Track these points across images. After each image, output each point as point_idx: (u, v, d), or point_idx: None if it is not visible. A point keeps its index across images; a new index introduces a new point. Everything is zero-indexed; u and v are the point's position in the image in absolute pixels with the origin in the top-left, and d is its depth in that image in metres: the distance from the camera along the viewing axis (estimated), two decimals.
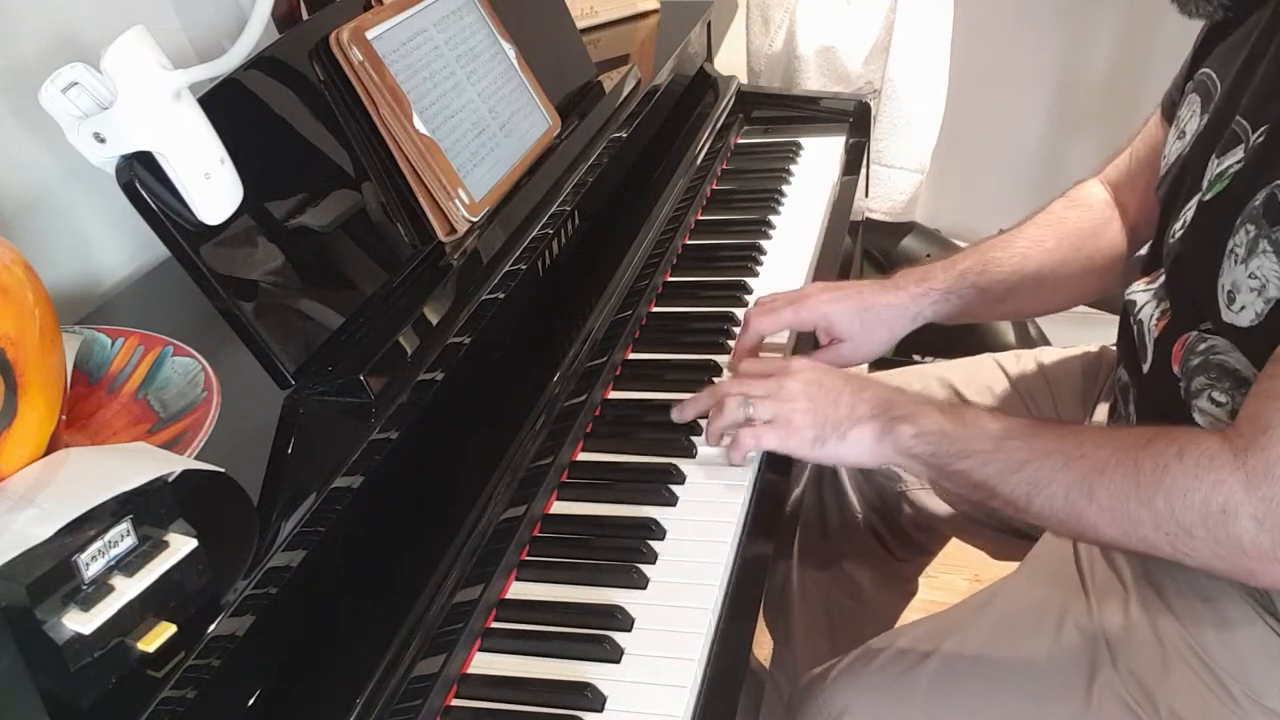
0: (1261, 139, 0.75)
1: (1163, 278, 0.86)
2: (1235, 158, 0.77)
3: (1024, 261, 1.02)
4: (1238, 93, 0.81)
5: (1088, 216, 1.04)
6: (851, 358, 1.02)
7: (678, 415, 0.91)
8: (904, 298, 1.02)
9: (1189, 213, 0.82)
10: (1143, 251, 0.99)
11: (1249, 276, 0.72)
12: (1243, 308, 0.73)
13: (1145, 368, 0.85)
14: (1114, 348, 1.09)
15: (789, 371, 0.87)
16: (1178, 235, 0.83)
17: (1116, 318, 0.96)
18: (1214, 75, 0.87)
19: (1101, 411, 1.04)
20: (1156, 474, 0.70)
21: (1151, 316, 0.85)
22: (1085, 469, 0.73)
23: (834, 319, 1.00)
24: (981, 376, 1.14)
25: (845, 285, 1.04)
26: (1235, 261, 0.74)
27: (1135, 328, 0.87)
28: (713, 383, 0.96)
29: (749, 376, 0.88)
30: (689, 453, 0.91)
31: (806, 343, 1.03)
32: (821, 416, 0.83)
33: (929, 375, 1.17)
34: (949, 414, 0.81)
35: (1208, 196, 0.79)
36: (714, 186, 1.35)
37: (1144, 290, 0.88)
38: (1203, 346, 0.77)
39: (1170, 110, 0.96)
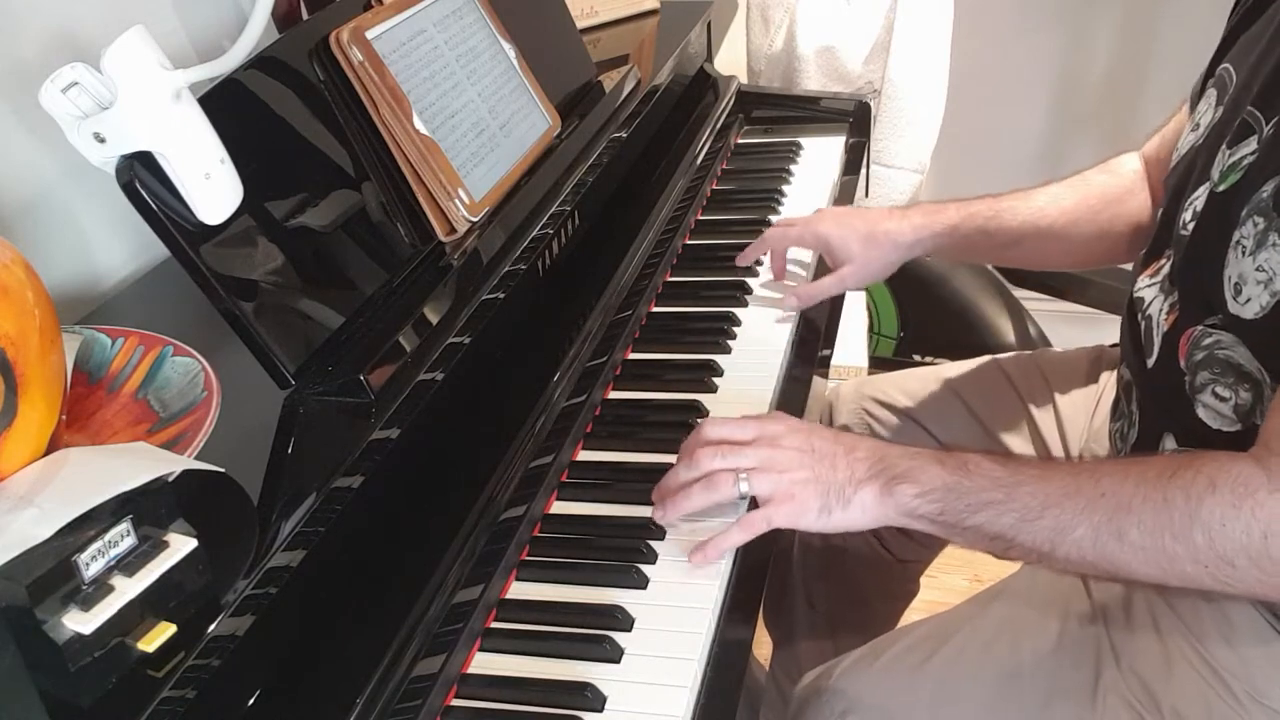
0: (1273, 130, 0.74)
1: (1166, 269, 0.85)
2: (1249, 149, 0.76)
3: (1039, 215, 1.04)
4: (1252, 83, 0.80)
5: (1114, 182, 1.05)
6: (852, 281, 1.08)
7: (659, 496, 0.83)
8: (906, 226, 1.06)
9: (1198, 202, 0.81)
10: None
11: (1256, 269, 0.71)
12: (1248, 300, 0.72)
13: (1150, 362, 0.84)
14: (1113, 349, 1.09)
15: (775, 437, 0.81)
16: (1189, 226, 0.82)
17: (1116, 318, 0.96)
18: (1231, 69, 0.86)
19: (1101, 414, 1.04)
20: (1190, 507, 0.68)
21: (1161, 311, 0.84)
22: (1110, 508, 0.70)
23: (835, 243, 1.07)
24: (981, 378, 1.14)
25: (852, 212, 1.11)
26: (1242, 253, 0.73)
27: (1144, 323, 0.87)
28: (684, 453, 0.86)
29: (729, 443, 0.81)
30: None
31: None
32: (824, 485, 0.78)
33: (929, 376, 1.17)
34: (949, 465, 0.77)
35: (1221, 188, 0.78)
36: (714, 186, 1.35)
37: (1150, 284, 0.87)
38: (1208, 341, 0.77)
39: (1195, 103, 0.95)
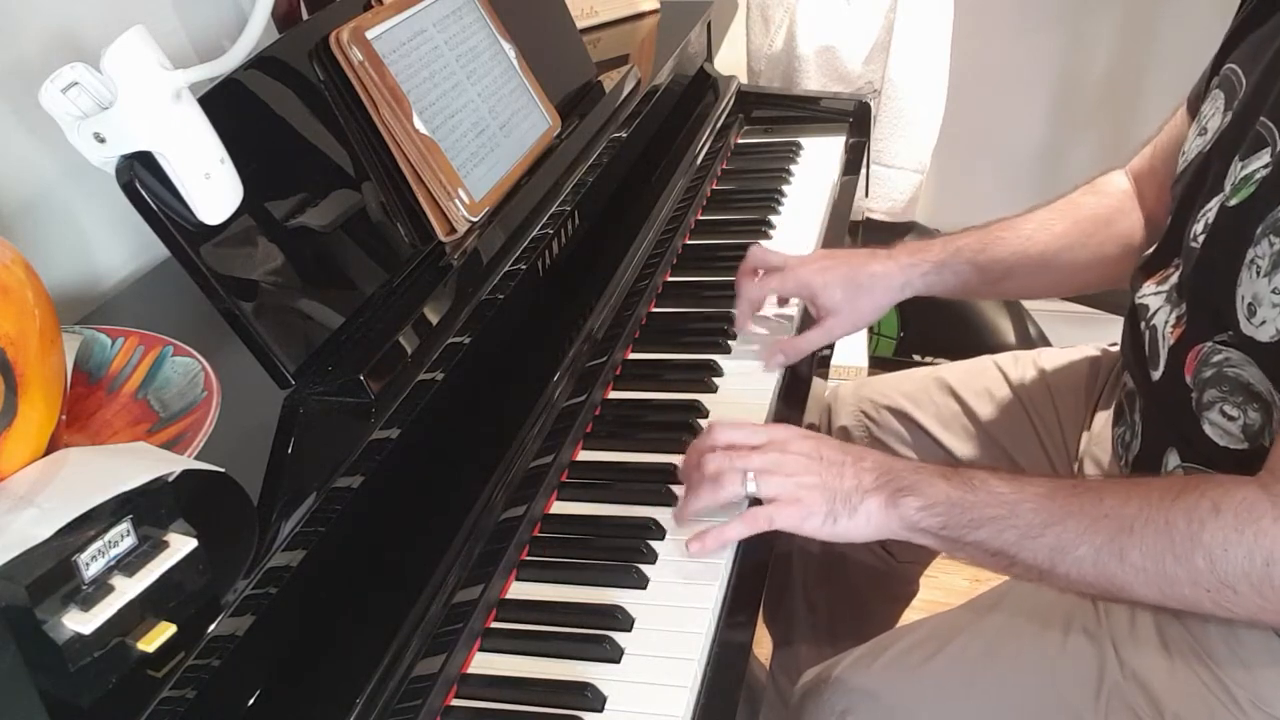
0: None
1: (1174, 278, 0.84)
2: (1261, 162, 0.75)
3: (1028, 243, 1.01)
4: (1263, 91, 0.78)
5: (1104, 203, 1.03)
6: (840, 329, 1.02)
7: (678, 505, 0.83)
8: (892, 267, 1.01)
9: (1209, 214, 0.79)
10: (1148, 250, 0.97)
11: (1272, 291, 0.70)
12: (1263, 322, 0.71)
13: (1156, 375, 0.83)
14: (1113, 349, 1.09)
15: (784, 442, 0.81)
16: (1199, 239, 0.80)
17: (1117, 318, 0.95)
18: (1239, 71, 0.84)
19: (1102, 417, 1.03)
20: (1192, 530, 0.67)
21: (1167, 323, 0.83)
22: (1112, 529, 0.70)
23: (817, 290, 1.00)
24: (980, 379, 1.13)
25: (836, 254, 1.04)
26: (1257, 274, 0.71)
27: (1148, 333, 0.85)
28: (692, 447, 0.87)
29: (738, 447, 0.81)
30: None
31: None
32: (830, 491, 0.78)
33: (927, 377, 1.16)
34: (954, 480, 0.76)
35: (1233, 201, 0.76)
36: (714, 186, 1.35)
37: (1155, 293, 0.86)
38: (1217, 358, 0.76)
39: (1195, 104, 0.94)
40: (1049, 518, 0.72)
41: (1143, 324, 0.86)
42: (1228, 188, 0.78)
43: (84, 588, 0.51)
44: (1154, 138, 1.04)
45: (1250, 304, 0.72)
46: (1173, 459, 0.82)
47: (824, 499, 0.77)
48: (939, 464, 0.79)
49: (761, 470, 0.79)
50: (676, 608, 0.76)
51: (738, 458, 0.80)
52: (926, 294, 1.03)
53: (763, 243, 1.18)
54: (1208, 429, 0.77)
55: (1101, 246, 1.02)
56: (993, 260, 1.01)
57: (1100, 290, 1.06)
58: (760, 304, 1.06)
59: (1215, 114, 0.86)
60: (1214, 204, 0.79)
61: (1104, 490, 0.73)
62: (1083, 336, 1.17)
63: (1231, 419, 0.76)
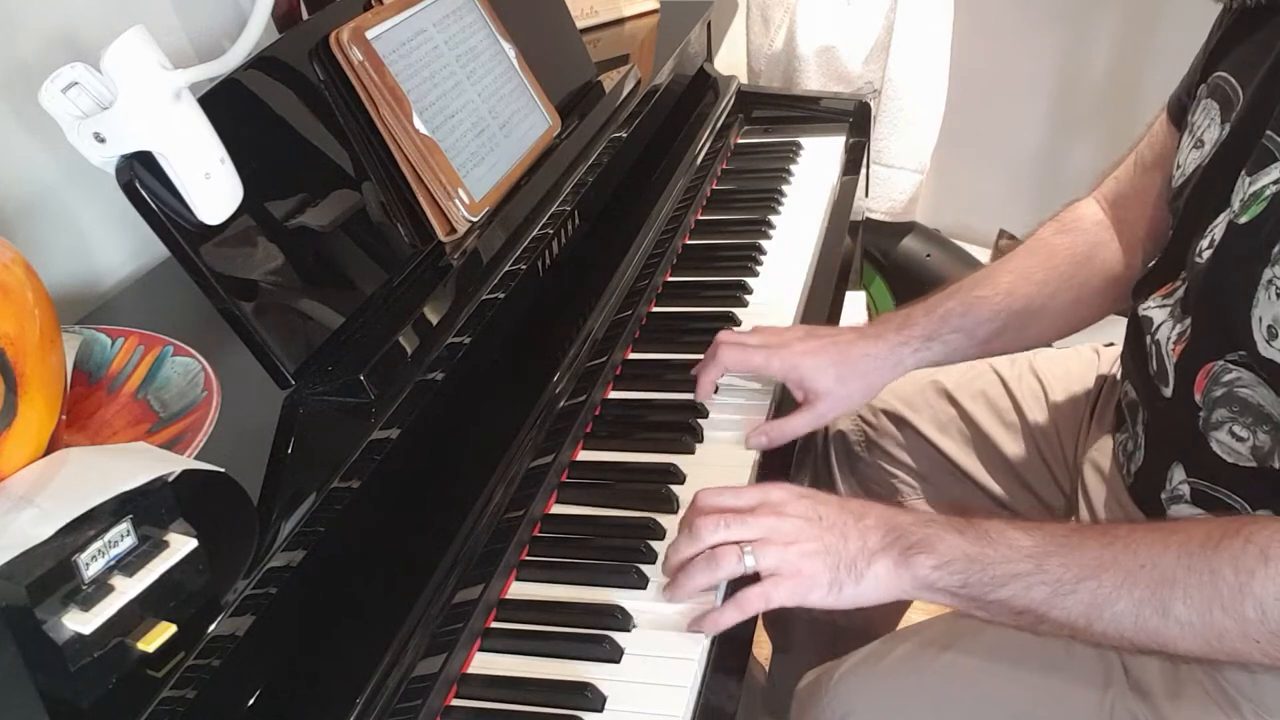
0: None
1: (1180, 292, 0.82)
2: (1271, 178, 0.72)
3: (1010, 298, 0.97)
4: (1266, 103, 0.76)
5: (1080, 240, 1.00)
6: (828, 415, 0.96)
7: (668, 570, 0.78)
8: (883, 347, 0.96)
9: (1217, 231, 0.77)
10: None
11: None
12: None
13: (1167, 393, 0.81)
14: (1109, 349, 1.08)
15: (779, 504, 0.76)
16: (1205, 255, 0.78)
17: (1116, 317, 0.95)
18: (1233, 81, 0.82)
19: (1101, 422, 1.02)
20: (1240, 580, 0.64)
21: (1169, 338, 0.81)
22: (1152, 582, 0.66)
23: (806, 373, 0.94)
24: (976, 382, 1.12)
25: (822, 335, 0.97)
26: (1276, 295, 0.69)
27: (1153, 349, 0.83)
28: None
29: (730, 512, 0.76)
30: (690, 450, 0.91)
31: (790, 403, 0.97)
32: (834, 557, 0.73)
33: (923, 380, 1.15)
34: (968, 533, 0.72)
35: (1242, 219, 0.74)
36: (714, 186, 1.35)
37: (1160, 306, 0.84)
38: (1228, 377, 0.74)
39: (1179, 114, 0.92)
40: (1080, 571, 0.68)
41: (1148, 338, 0.85)
42: (1236, 204, 0.75)
43: (84, 588, 0.51)
44: (1125, 159, 1.01)
45: (1270, 326, 0.70)
46: (1178, 473, 0.81)
47: (826, 566, 0.73)
48: (947, 515, 0.76)
49: (758, 540, 0.74)
50: (677, 607, 0.76)
51: (733, 525, 0.75)
52: (918, 369, 0.99)
53: (733, 321, 1.10)
54: (1215, 447, 0.76)
55: (1084, 285, 0.99)
56: (978, 323, 0.97)
57: (1086, 327, 1.02)
58: (726, 370, 0.97)
59: (1211, 125, 0.83)
60: (1221, 220, 0.77)
61: (1136, 539, 0.69)
62: (1081, 336, 1.16)
63: (1241, 440, 0.74)
